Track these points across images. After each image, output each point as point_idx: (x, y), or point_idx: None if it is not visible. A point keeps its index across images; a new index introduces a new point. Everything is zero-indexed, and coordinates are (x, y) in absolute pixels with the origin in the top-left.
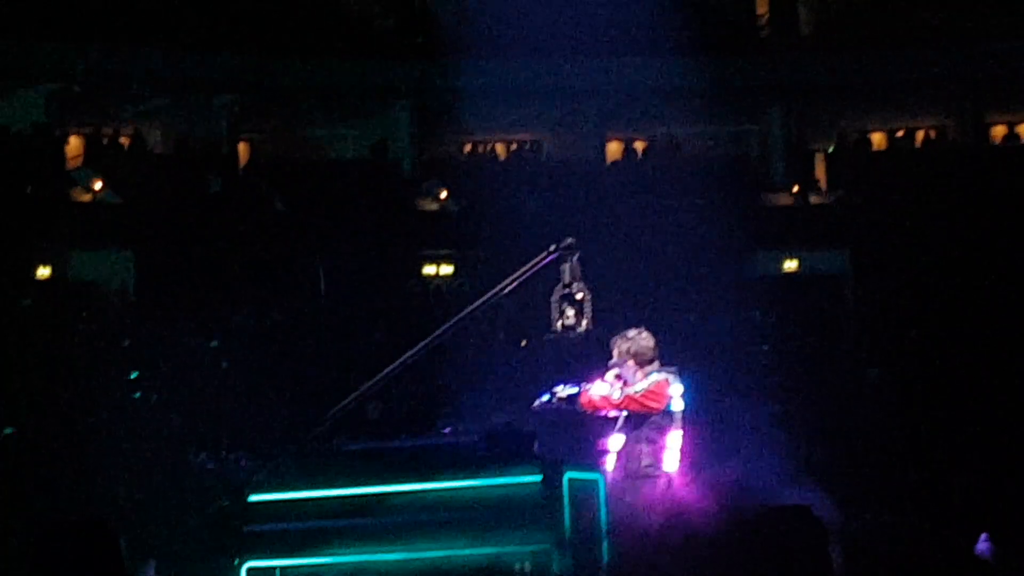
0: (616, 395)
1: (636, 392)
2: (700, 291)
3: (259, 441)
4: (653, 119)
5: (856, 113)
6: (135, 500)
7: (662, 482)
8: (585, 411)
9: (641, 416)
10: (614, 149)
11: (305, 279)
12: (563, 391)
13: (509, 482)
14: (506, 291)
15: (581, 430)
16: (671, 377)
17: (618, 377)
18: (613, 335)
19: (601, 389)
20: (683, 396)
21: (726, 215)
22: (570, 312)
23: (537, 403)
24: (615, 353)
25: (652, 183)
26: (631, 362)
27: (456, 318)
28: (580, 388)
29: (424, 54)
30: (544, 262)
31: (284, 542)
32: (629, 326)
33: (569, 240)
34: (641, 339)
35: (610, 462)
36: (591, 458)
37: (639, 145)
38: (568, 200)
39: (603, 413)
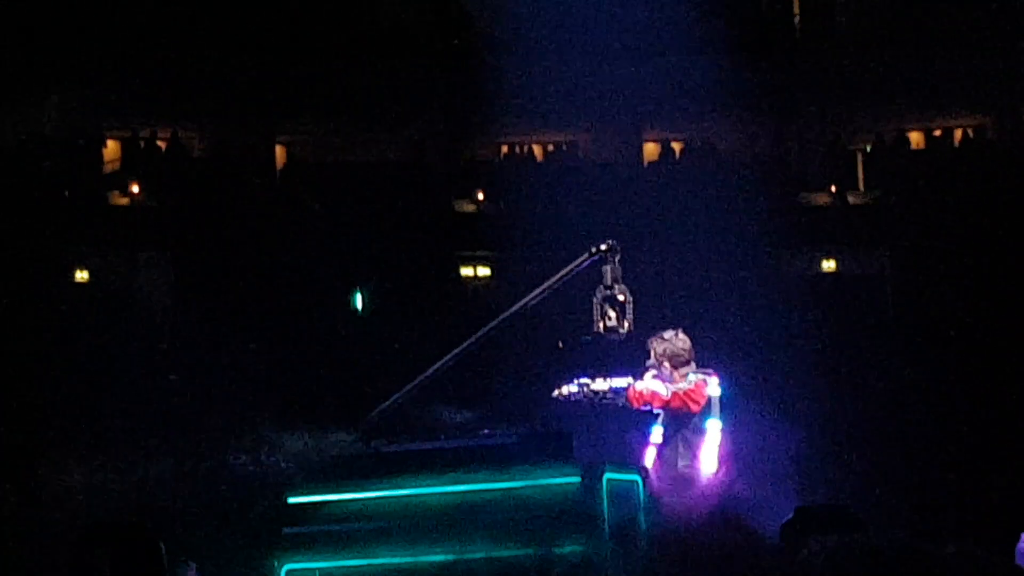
0: (664, 391)
1: (680, 390)
2: (738, 292)
3: (298, 444)
4: (690, 119)
5: (894, 112)
6: (175, 503)
7: (700, 483)
8: (629, 405)
9: (680, 417)
10: (651, 150)
11: (341, 281)
12: (601, 384)
13: (548, 483)
14: (548, 292)
15: (605, 424)
16: (708, 379)
17: (655, 378)
18: (650, 337)
19: (651, 384)
20: (721, 398)
21: (764, 215)
22: (612, 314)
23: (560, 392)
24: (651, 354)
25: (689, 184)
26: (667, 363)
27: (499, 318)
28: (627, 383)
29: (460, 56)
30: (586, 263)
31: (323, 544)
32: (666, 327)
33: (610, 241)
34: (677, 341)
35: (649, 458)
36: (618, 453)
37: (676, 146)
38: (605, 201)
39: (646, 408)
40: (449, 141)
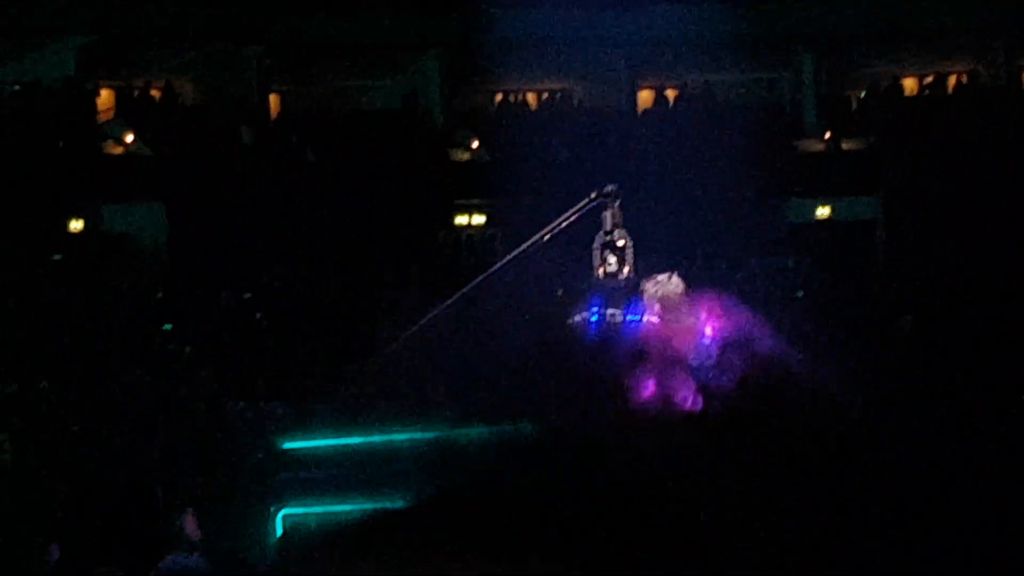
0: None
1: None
2: (733, 238)
3: (294, 391)
4: (684, 67)
5: (887, 59)
6: (171, 451)
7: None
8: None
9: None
10: (645, 97)
11: (336, 231)
12: (617, 313)
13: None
14: (547, 238)
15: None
16: (694, 322)
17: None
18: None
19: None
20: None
21: (758, 162)
22: (612, 259)
23: (580, 319)
24: (644, 296)
25: (684, 131)
26: (657, 306)
27: (500, 263)
28: (641, 315)
29: (454, 4)
30: (585, 209)
31: (318, 489)
32: (661, 272)
33: (611, 187)
34: (669, 284)
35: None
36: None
37: (671, 93)
38: (600, 149)
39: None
40: (444, 89)
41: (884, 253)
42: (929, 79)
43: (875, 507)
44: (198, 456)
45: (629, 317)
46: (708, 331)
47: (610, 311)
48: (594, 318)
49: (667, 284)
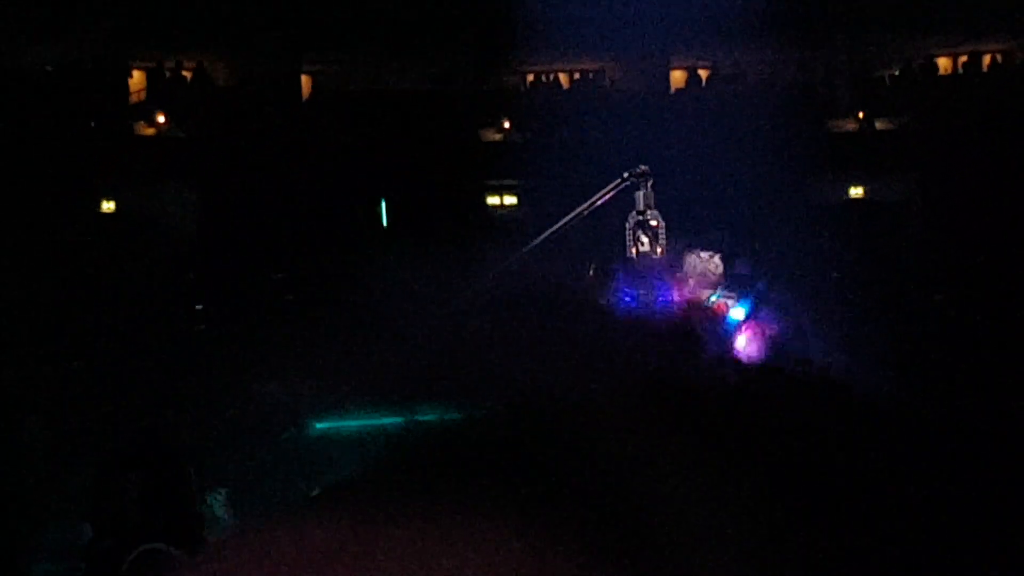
0: (702, 298)
1: (707, 304)
2: (766, 219)
3: (325, 371)
4: (717, 47)
5: (921, 38)
6: (204, 431)
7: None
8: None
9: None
10: (678, 77)
11: (368, 211)
12: (647, 294)
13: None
14: (579, 218)
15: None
16: (731, 301)
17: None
18: (687, 250)
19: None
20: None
21: (791, 142)
22: (644, 239)
23: (607, 299)
24: (684, 265)
25: (716, 111)
26: (691, 280)
27: (529, 246)
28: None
29: None
30: (618, 189)
31: (352, 470)
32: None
33: (643, 167)
34: (710, 263)
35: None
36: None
37: (703, 73)
38: (632, 129)
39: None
40: (475, 70)
41: (918, 233)
42: (963, 58)
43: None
44: (230, 436)
45: (662, 295)
46: (740, 341)
47: (642, 289)
48: (626, 297)
49: (708, 263)
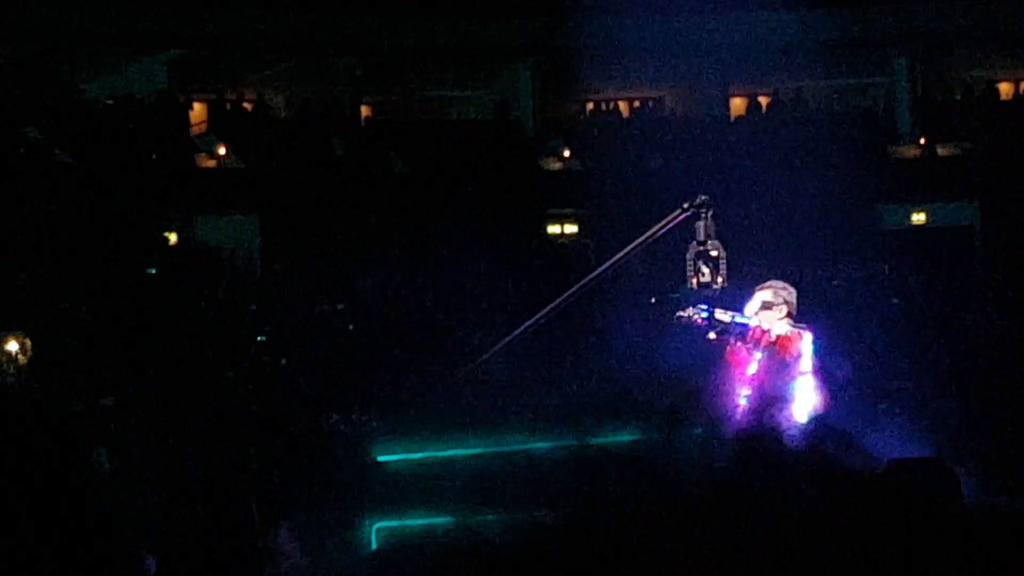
0: (777, 331)
1: (781, 334)
2: (828, 245)
3: (388, 402)
4: (777, 73)
5: (982, 62)
6: (266, 463)
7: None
8: (742, 338)
9: (775, 364)
10: (738, 104)
11: (428, 241)
12: (723, 314)
13: (635, 438)
14: (640, 248)
15: (710, 353)
16: (803, 333)
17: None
18: (743, 291)
19: (767, 322)
20: (812, 354)
21: (853, 169)
22: (705, 270)
23: (688, 313)
24: (755, 297)
25: (777, 138)
26: (762, 312)
27: (592, 275)
28: (748, 318)
29: (545, 11)
30: (679, 219)
31: (414, 502)
32: (756, 283)
33: (703, 197)
34: (786, 292)
35: (742, 399)
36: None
37: (763, 100)
38: (692, 157)
39: (759, 347)
40: (535, 98)
41: (981, 259)
42: None
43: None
44: (293, 469)
45: (738, 319)
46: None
47: (719, 311)
48: (704, 315)
49: (783, 292)
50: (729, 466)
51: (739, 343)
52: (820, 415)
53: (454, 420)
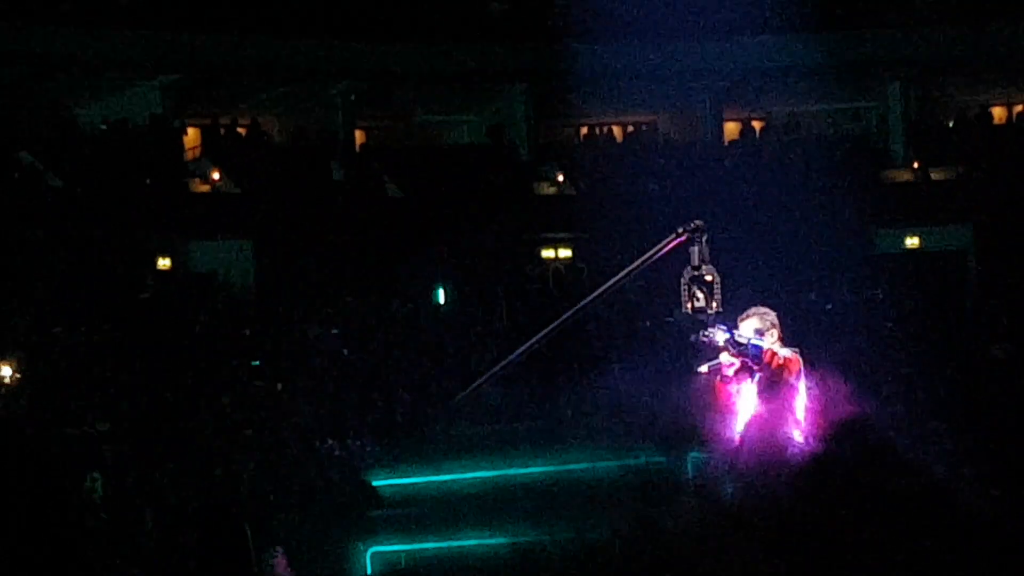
0: (784, 353)
1: (787, 356)
2: (822, 269)
3: (383, 427)
4: (770, 98)
5: (975, 87)
6: (261, 488)
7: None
8: (760, 363)
9: (773, 387)
10: (731, 129)
11: (422, 265)
12: (743, 338)
13: (633, 463)
14: (634, 273)
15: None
16: (795, 354)
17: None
18: (738, 315)
19: (774, 346)
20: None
21: (846, 193)
22: (700, 294)
23: (711, 334)
24: (742, 326)
25: (771, 163)
26: (755, 336)
27: (586, 300)
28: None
29: (539, 37)
30: (673, 244)
31: (408, 527)
32: (750, 306)
33: (698, 222)
34: (771, 317)
35: (740, 423)
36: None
37: (757, 124)
38: (686, 181)
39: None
40: (529, 123)
41: (975, 283)
42: (1018, 107)
43: None
44: (287, 493)
45: (754, 341)
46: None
47: (737, 333)
48: (726, 335)
49: (767, 317)
50: (782, 493)
51: (729, 373)
52: (851, 427)
53: (449, 445)
